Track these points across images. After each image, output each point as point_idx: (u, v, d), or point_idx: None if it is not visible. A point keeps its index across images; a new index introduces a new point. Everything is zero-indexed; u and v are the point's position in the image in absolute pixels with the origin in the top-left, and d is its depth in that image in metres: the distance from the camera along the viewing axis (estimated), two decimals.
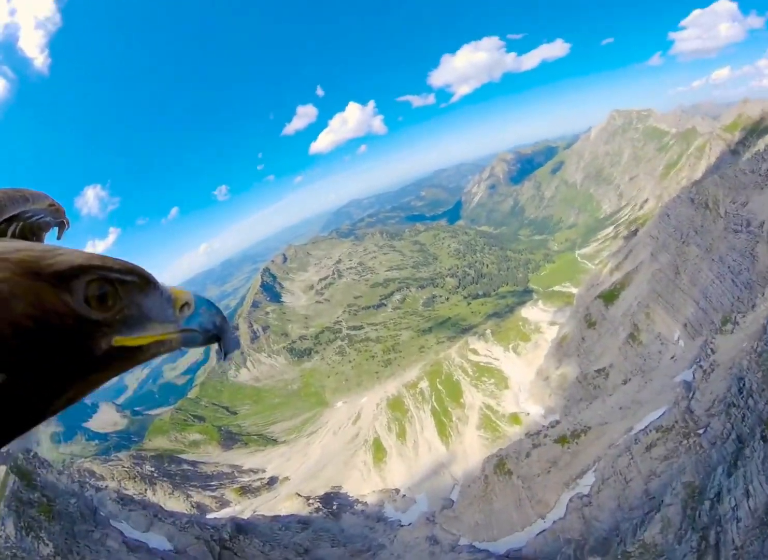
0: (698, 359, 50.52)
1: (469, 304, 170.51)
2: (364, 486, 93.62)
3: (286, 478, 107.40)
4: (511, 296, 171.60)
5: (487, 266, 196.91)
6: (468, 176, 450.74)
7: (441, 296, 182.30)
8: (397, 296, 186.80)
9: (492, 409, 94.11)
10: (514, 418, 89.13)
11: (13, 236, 2.16)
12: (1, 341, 0.88)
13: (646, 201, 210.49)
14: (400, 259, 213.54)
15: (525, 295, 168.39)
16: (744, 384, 34.27)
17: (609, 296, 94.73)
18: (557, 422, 59.61)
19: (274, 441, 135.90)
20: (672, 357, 64.03)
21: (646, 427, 45.26)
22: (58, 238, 2.41)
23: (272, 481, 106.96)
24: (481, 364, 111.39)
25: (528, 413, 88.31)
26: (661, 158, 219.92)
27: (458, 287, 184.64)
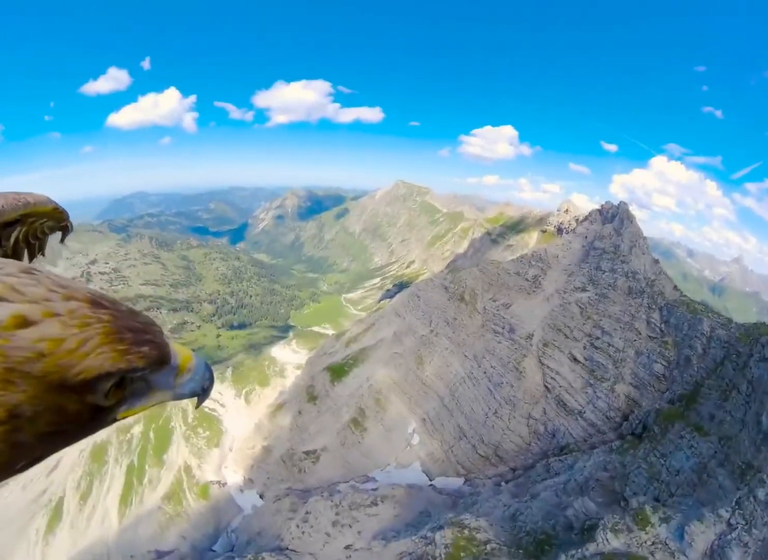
0: None
1: (218, 336, 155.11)
2: None
3: None
4: (267, 331, 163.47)
5: (251, 296, 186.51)
6: (262, 202, 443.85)
7: (193, 323, 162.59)
8: None
9: (190, 472, 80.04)
10: (203, 490, 76.20)
11: (16, 241, 2.41)
12: (25, 447, 0.95)
13: (413, 262, 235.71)
14: (161, 273, 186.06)
15: (283, 331, 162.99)
16: None
17: (338, 371, 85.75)
18: None
19: None
20: (399, 554, 40.81)
21: None
22: (61, 241, 2.75)
23: None
24: (206, 410, 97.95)
25: (225, 484, 76.54)
26: (431, 230, 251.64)
27: (214, 315, 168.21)
